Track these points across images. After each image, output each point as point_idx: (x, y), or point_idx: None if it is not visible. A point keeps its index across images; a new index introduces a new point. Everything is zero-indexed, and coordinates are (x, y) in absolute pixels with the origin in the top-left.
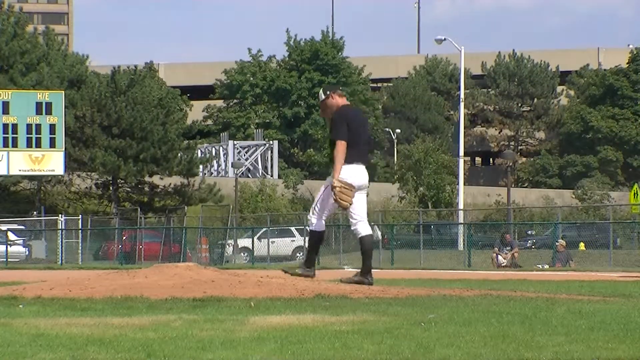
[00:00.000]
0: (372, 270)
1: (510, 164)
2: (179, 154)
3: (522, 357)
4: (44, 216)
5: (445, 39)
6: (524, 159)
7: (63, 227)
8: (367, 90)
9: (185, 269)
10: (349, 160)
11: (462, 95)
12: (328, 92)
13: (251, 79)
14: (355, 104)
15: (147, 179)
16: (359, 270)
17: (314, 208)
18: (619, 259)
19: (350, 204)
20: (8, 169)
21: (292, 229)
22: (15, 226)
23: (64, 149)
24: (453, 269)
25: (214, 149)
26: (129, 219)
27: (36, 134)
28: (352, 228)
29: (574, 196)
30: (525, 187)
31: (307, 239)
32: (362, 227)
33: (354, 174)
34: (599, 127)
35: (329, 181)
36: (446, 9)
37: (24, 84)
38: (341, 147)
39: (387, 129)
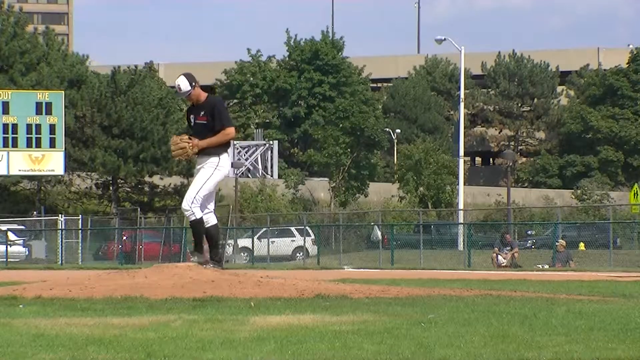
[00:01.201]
0: (371, 269)
1: (510, 164)
2: None
3: (522, 357)
4: (44, 216)
5: (445, 39)
6: (524, 159)
7: (63, 227)
8: (367, 90)
9: (185, 269)
10: (224, 149)
11: (462, 95)
12: (194, 83)
13: (251, 79)
14: (355, 104)
15: (147, 179)
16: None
17: (196, 199)
18: (619, 259)
19: (177, 157)
20: (8, 169)
21: (292, 229)
22: (15, 226)
23: (64, 149)
24: (453, 269)
25: None
26: (129, 219)
27: (36, 134)
28: (190, 211)
29: (573, 196)
30: (525, 187)
31: (193, 230)
32: (212, 217)
33: (229, 163)
34: (599, 127)
35: (207, 171)
36: (446, 9)
37: (24, 84)
38: (233, 133)
39: (387, 129)
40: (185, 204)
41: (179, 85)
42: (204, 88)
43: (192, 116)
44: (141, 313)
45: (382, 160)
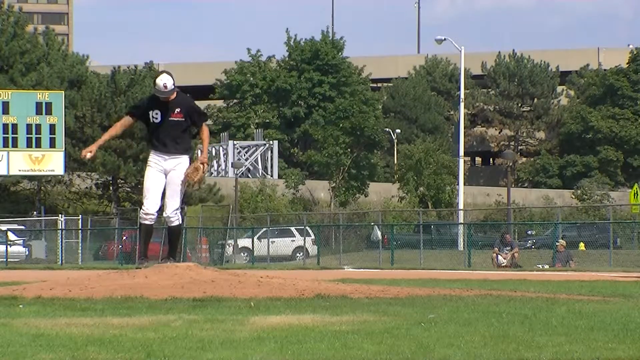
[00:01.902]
0: (371, 269)
1: (510, 164)
2: None
3: (522, 357)
4: (44, 216)
5: (445, 39)
6: (524, 159)
7: (63, 227)
8: (367, 90)
9: (185, 269)
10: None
11: (462, 95)
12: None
13: (251, 79)
14: (355, 104)
15: None
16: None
17: (180, 205)
18: (619, 259)
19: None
20: (8, 169)
21: (292, 229)
22: (15, 226)
23: (64, 149)
24: (453, 269)
25: (214, 149)
26: (129, 219)
27: (36, 134)
28: (176, 217)
29: (573, 196)
30: (525, 187)
31: (169, 234)
32: (181, 217)
33: None
34: (599, 127)
35: (181, 174)
36: (446, 9)
37: (24, 84)
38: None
39: (387, 129)
40: (171, 212)
41: (165, 84)
42: (204, 88)
43: (158, 112)
44: (141, 313)
45: (382, 160)
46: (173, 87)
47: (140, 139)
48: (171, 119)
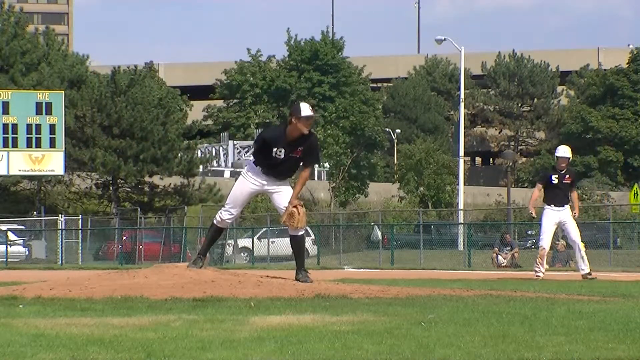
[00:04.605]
0: (371, 269)
1: (510, 164)
2: (179, 154)
3: (522, 357)
4: (44, 216)
5: (445, 39)
6: (524, 159)
7: (63, 227)
8: (367, 90)
9: (185, 269)
10: None
11: (462, 95)
12: None
13: (251, 79)
14: (355, 103)
15: (147, 179)
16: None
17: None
18: (619, 259)
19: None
20: (8, 169)
21: None
22: (15, 226)
23: (64, 149)
24: (453, 269)
25: (214, 149)
26: (129, 219)
27: (36, 134)
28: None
29: None
30: (525, 187)
31: (209, 234)
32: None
33: None
34: (599, 127)
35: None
36: (446, 9)
37: (24, 84)
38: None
39: (387, 129)
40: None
41: (310, 107)
42: (204, 88)
43: (282, 150)
44: (141, 313)
45: (382, 160)
46: (312, 113)
47: (141, 138)
48: (292, 155)
